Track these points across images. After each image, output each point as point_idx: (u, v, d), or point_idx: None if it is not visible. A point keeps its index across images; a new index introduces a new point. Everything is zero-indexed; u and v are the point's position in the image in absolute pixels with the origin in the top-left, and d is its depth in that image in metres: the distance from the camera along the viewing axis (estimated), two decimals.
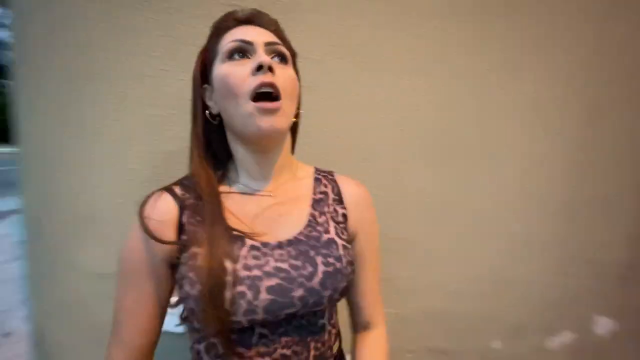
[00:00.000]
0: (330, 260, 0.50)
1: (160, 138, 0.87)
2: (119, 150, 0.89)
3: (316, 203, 0.57)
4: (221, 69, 0.50)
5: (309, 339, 0.51)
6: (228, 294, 0.44)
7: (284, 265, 0.48)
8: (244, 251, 0.48)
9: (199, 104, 0.55)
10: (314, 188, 0.59)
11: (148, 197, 0.52)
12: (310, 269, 0.49)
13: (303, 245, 0.51)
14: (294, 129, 0.62)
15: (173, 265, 0.51)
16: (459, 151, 0.94)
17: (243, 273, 0.46)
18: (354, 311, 0.64)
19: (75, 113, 0.92)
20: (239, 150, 0.55)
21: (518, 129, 0.95)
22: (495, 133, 0.94)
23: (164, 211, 0.51)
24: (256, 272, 0.47)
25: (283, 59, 0.53)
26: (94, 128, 0.90)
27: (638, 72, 0.96)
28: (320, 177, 0.61)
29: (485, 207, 0.96)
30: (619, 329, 1.03)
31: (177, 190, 0.54)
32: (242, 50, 0.50)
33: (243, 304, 0.45)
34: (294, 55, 0.57)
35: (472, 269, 0.98)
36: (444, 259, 0.97)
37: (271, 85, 0.48)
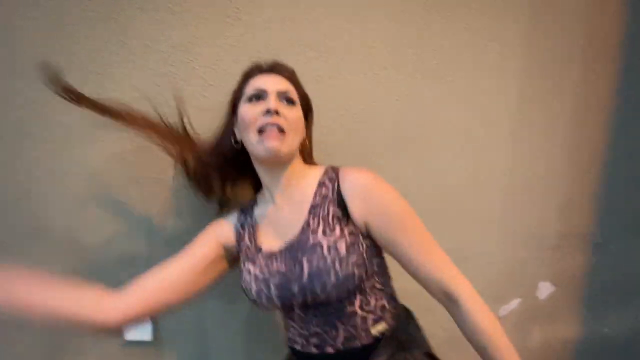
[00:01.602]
0: (314, 262, 0.60)
1: (109, 138, 0.85)
2: (61, 152, 0.85)
3: (313, 208, 0.67)
4: (242, 108, 0.69)
5: (336, 322, 0.64)
6: (254, 287, 0.67)
7: (282, 268, 0.65)
8: (260, 259, 0.68)
9: (229, 131, 0.74)
10: (315, 193, 0.68)
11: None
12: (298, 270, 0.62)
13: (294, 250, 0.64)
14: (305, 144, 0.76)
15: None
16: (419, 139, 1.01)
17: (260, 275, 0.67)
18: (426, 289, 0.66)
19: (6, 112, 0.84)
20: (257, 167, 0.72)
21: (466, 119, 1.03)
22: (449, 122, 1.03)
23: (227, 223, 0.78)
24: (266, 275, 0.66)
25: (290, 101, 0.68)
26: (29, 128, 0.84)
27: (568, 63, 1.08)
28: (325, 179, 0.69)
29: (445, 190, 1.05)
30: (555, 291, 1.17)
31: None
32: (258, 96, 0.67)
33: (263, 296, 0.66)
34: (305, 98, 0.75)
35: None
36: None
37: (275, 124, 0.63)
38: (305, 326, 0.66)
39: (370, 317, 0.65)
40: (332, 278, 0.59)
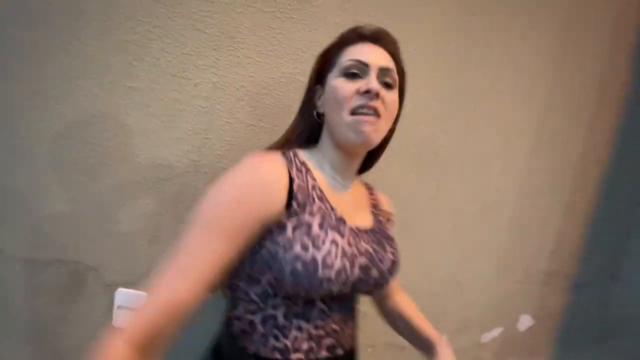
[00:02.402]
0: (394, 252, 0.64)
1: (94, 105, 0.78)
2: (43, 115, 0.77)
3: (373, 207, 0.71)
4: (335, 82, 0.59)
5: (347, 319, 0.61)
6: (338, 264, 0.51)
7: (370, 248, 0.59)
8: (346, 231, 0.56)
9: (310, 101, 0.65)
10: (368, 195, 0.72)
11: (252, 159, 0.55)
12: (383, 254, 0.61)
13: (378, 234, 0.64)
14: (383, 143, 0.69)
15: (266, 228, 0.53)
16: (440, 161, 1.03)
17: (349, 251, 0.54)
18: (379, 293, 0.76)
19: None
20: (331, 147, 0.63)
21: (488, 148, 1.07)
22: (470, 150, 1.05)
23: (277, 174, 0.54)
24: (354, 250, 0.56)
25: (389, 85, 0.59)
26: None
27: (587, 102, 1.14)
28: (366, 188, 0.75)
29: (455, 213, 1.08)
30: (535, 325, 1.23)
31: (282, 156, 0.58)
32: (357, 69, 0.57)
33: (342, 277, 0.52)
34: (403, 75, 0.65)
35: (432, 272, 1.08)
36: (408, 262, 1.05)
37: (373, 108, 0.56)
38: (322, 325, 0.56)
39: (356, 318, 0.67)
40: (398, 272, 0.65)
